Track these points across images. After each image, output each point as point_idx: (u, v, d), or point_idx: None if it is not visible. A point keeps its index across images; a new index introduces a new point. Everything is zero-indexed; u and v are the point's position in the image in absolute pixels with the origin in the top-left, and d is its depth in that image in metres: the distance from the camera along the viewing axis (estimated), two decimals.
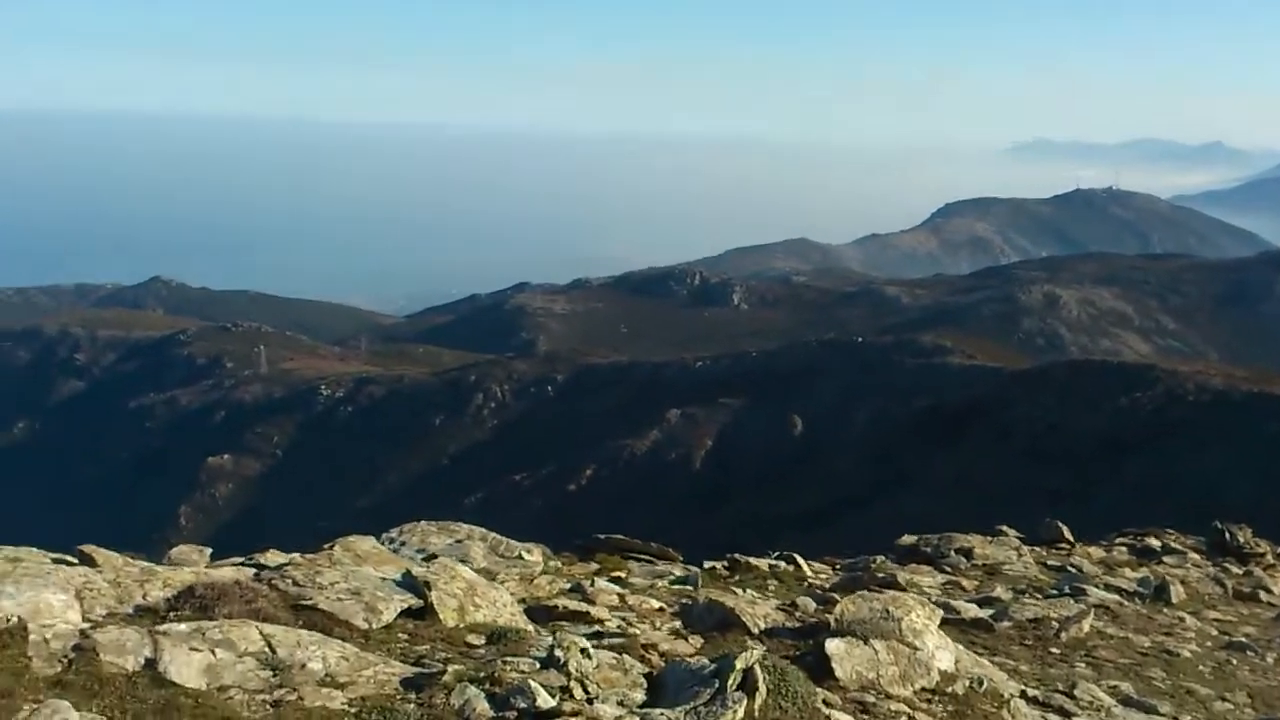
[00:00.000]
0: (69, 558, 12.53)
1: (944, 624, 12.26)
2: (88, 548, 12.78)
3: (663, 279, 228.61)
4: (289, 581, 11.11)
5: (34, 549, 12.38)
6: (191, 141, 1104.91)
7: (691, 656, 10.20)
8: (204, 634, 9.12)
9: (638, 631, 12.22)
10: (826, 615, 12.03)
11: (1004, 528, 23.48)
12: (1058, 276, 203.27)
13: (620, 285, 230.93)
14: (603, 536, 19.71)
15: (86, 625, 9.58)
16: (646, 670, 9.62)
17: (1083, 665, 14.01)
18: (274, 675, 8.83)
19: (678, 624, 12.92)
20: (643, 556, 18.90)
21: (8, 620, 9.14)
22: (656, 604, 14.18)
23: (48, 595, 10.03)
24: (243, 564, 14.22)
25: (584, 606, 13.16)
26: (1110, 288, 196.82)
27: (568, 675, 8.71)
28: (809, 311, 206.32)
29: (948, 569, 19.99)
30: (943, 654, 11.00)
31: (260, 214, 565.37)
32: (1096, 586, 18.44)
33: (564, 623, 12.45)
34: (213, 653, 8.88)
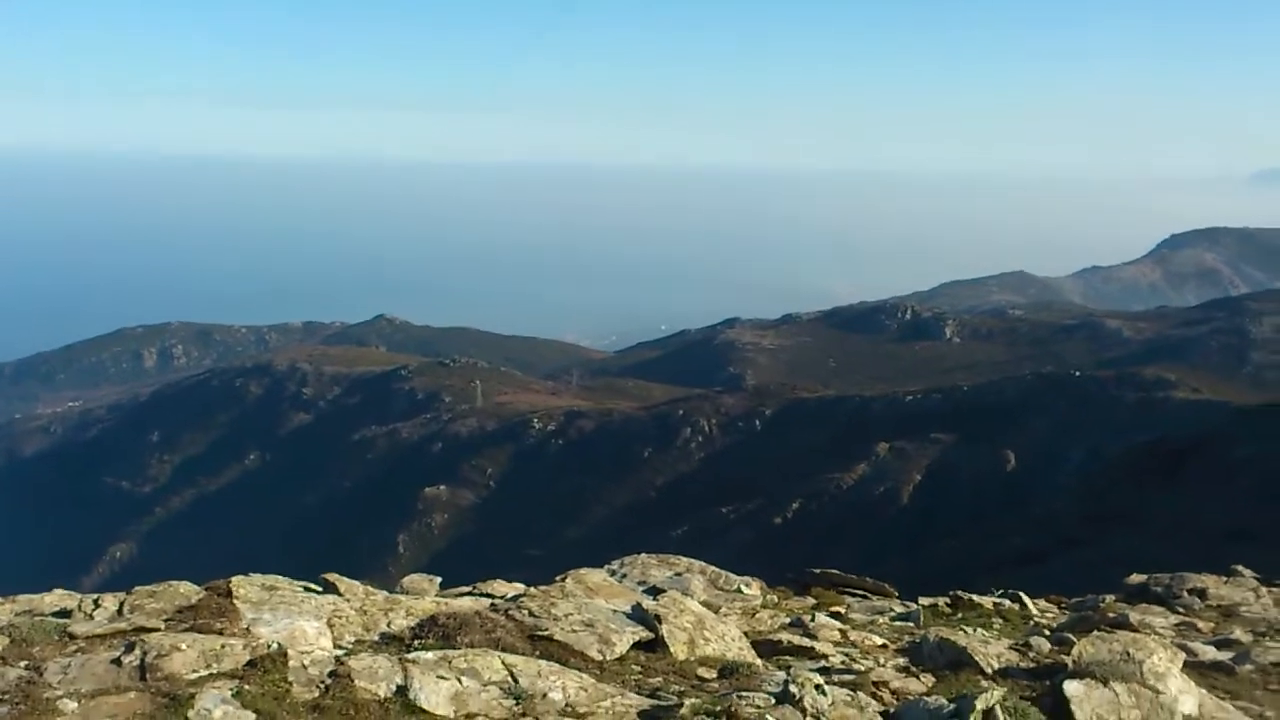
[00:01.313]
0: (314, 585, 13.19)
1: (1183, 667, 11.80)
2: (331, 576, 13.43)
3: (873, 313, 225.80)
4: (525, 612, 11.46)
5: (282, 577, 13.09)
6: (402, 185, 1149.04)
7: (926, 695, 10.08)
8: (450, 662, 9.49)
9: (864, 667, 12.14)
10: (1063, 656, 11.72)
11: (1239, 567, 22.37)
12: None
13: (830, 320, 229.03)
14: (817, 571, 19.62)
15: (339, 652, 10.07)
16: (882, 709, 9.56)
17: None
18: (517, 704, 9.11)
19: (903, 661, 12.77)
20: (858, 591, 18.76)
21: (269, 647, 9.71)
22: (879, 640, 14.06)
23: (302, 623, 10.61)
24: (474, 594, 14.68)
25: (807, 641, 13.15)
26: None
27: (803, 711, 8.74)
28: (1024, 345, 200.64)
29: (1181, 610, 19.14)
30: (1186, 698, 10.58)
31: (479, 253, 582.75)
32: None
33: (788, 657, 12.46)
34: (459, 681, 9.23)
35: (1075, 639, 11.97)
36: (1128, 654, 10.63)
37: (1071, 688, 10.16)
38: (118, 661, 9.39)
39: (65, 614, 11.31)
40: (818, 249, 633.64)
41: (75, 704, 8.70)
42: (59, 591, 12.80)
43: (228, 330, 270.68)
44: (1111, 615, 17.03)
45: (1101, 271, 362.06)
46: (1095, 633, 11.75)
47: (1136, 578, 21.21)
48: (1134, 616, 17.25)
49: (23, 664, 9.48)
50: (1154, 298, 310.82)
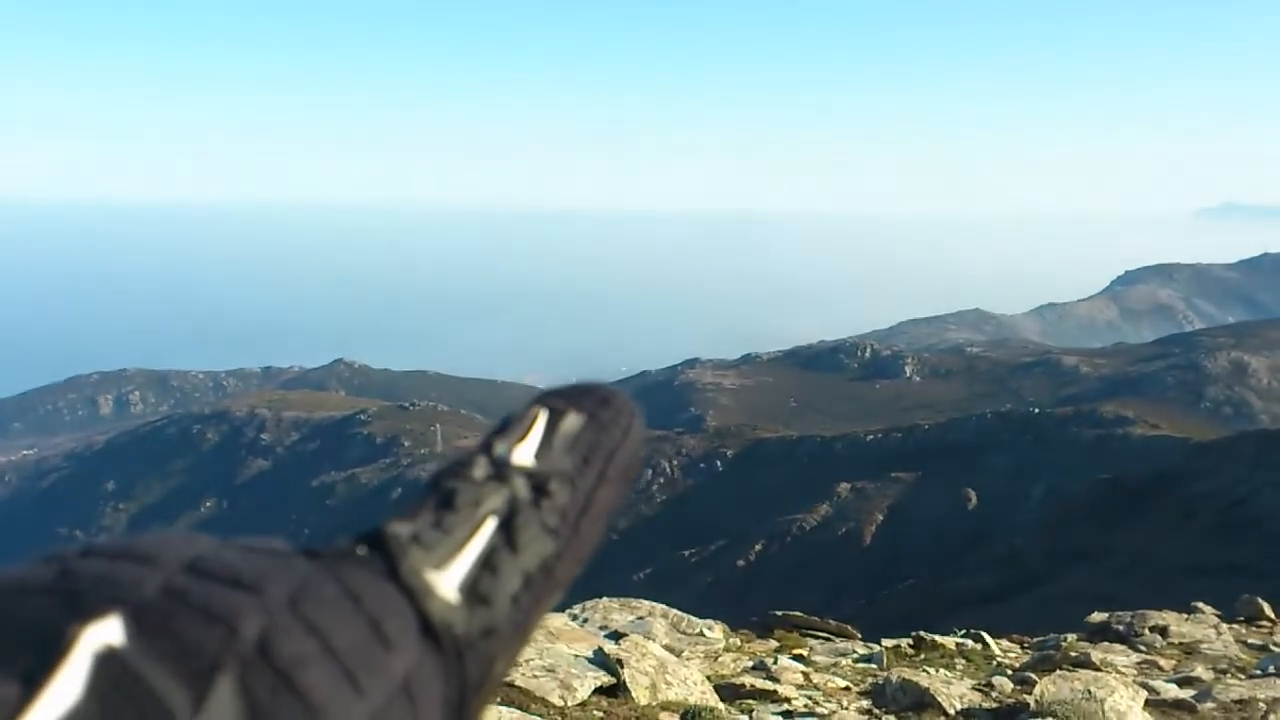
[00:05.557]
0: None
1: (1145, 705, 11.84)
2: None
3: (833, 352, 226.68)
4: None
5: None
6: (357, 229, 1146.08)
7: None
8: None
9: (826, 710, 12.11)
10: (1025, 696, 11.74)
11: (1200, 604, 22.54)
12: (1245, 343, 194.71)
13: (790, 359, 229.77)
14: (780, 613, 19.59)
15: None
16: None
17: None
18: None
19: (866, 703, 12.75)
20: (821, 633, 18.74)
21: None
22: (842, 682, 14.03)
23: None
24: None
25: (770, 685, 13.09)
26: None
27: None
28: (983, 383, 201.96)
29: (1142, 648, 19.22)
30: None
31: (438, 295, 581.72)
32: None
33: (751, 701, 12.40)
34: None
35: (1037, 678, 12.01)
36: (1089, 693, 10.66)
37: None
38: None
39: None
40: (776, 287, 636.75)
41: None
42: None
43: (184, 376, 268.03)
44: (1074, 654, 17.06)
45: (1058, 308, 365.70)
46: (1057, 672, 11.80)
47: (1098, 616, 21.29)
48: (1096, 655, 17.29)
49: None
50: (1110, 334, 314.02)
